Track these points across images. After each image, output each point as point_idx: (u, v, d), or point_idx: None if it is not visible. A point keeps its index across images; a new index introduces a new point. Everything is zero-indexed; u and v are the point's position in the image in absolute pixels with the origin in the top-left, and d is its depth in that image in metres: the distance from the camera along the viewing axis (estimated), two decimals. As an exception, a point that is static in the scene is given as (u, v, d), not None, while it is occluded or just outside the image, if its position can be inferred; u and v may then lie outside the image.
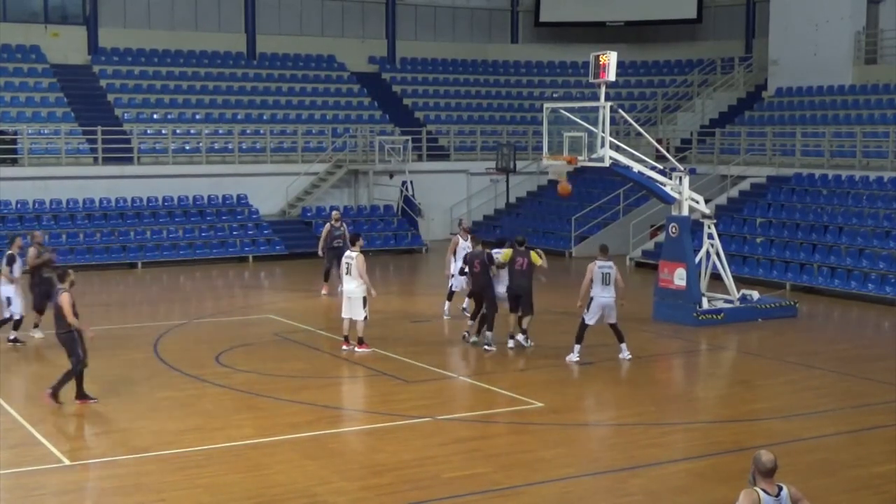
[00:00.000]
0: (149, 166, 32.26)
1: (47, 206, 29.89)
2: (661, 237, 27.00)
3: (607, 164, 20.15)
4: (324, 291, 23.82)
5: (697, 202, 21.36)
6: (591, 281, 17.03)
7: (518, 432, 13.40)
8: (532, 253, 17.98)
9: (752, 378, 16.76)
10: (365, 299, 17.55)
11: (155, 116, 34.32)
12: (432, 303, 22.71)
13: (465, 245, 20.24)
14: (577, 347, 17.26)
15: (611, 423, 13.91)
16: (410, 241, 32.79)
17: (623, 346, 17.40)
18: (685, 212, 21.02)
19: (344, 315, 17.83)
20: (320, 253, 24.34)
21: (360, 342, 17.77)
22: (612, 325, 17.31)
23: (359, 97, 38.07)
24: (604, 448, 12.90)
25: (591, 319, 17.13)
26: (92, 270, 28.05)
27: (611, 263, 17.16)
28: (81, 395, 14.46)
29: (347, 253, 17.90)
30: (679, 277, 20.67)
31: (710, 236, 21.29)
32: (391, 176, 34.28)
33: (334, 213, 24.88)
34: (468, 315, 19.29)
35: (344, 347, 17.82)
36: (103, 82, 34.95)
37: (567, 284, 27.89)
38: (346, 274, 17.71)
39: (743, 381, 16.78)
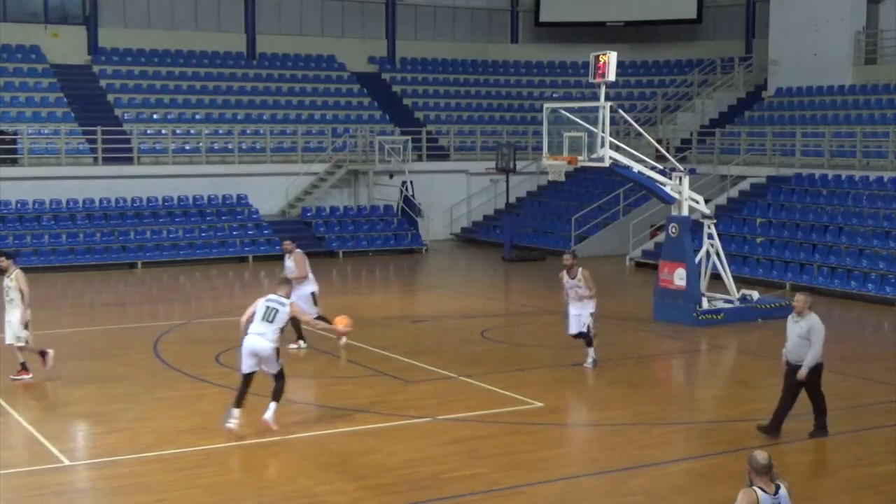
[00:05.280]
0: (149, 166, 32.25)
1: (47, 206, 29.88)
2: (661, 237, 26.99)
3: (607, 164, 20.15)
4: None
5: (697, 202, 21.35)
6: None
7: (518, 432, 13.38)
8: None
9: (752, 378, 16.75)
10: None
11: (155, 116, 34.31)
12: (432, 303, 22.72)
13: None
14: None
15: (611, 423, 13.90)
16: (410, 241, 32.78)
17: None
18: (685, 212, 21.02)
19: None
20: None
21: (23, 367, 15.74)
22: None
23: (359, 97, 38.06)
24: (604, 448, 12.89)
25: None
26: (92, 270, 28.07)
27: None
28: None
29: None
30: (679, 277, 20.66)
31: (710, 236, 21.28)
32: (391, 176, 34.26)
33: None
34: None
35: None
36: (103, 82, 34.94)
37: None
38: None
39: (743, 381, 16.77)
